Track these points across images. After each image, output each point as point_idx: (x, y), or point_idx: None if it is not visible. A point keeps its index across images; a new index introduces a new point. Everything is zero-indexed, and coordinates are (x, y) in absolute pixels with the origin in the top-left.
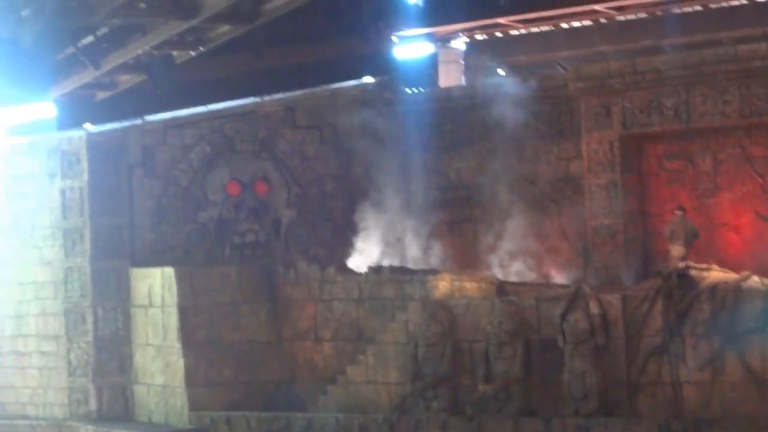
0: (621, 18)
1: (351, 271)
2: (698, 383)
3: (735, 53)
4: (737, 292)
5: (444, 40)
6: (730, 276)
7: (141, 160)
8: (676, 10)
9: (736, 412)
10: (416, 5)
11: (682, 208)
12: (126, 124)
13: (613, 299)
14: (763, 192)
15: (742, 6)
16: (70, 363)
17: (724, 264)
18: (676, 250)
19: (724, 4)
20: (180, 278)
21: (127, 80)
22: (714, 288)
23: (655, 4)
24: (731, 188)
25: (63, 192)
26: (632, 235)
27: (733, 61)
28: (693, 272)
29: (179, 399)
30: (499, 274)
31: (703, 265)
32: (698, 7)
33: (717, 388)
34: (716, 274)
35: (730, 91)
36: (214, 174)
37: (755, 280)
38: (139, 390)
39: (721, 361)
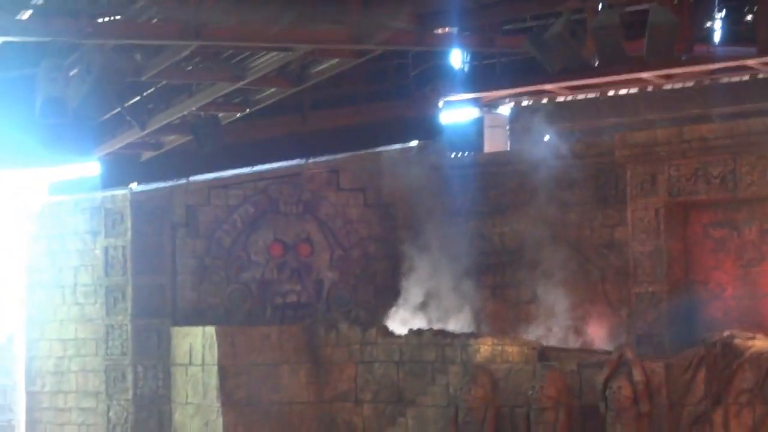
0: (668, 86)
1: (392, 334)
2: None
3: None
4: None
5: (490, 106)
6: None
7: (184, 220)
8: (725, 80)
9: None
10: (462, 71)
11: None
12: (170, 183)
13: (657, 366)
14: None
15: None
16: (109, 420)
17: None
18: None
19: None
20: (221, 337)
21: (172, 140)
22: (758, 357)
23: (703, 74)
24: None
25: (106, 250)
26: (676, 302)
27: None
28: (737, 341)
29: None
30: (541, 339)
31: (748, 334)
32: (746, 77)
33: None
34: (761, 344)
35: None
36: (257, 235)
37: None
38: None
39: (764, 430)
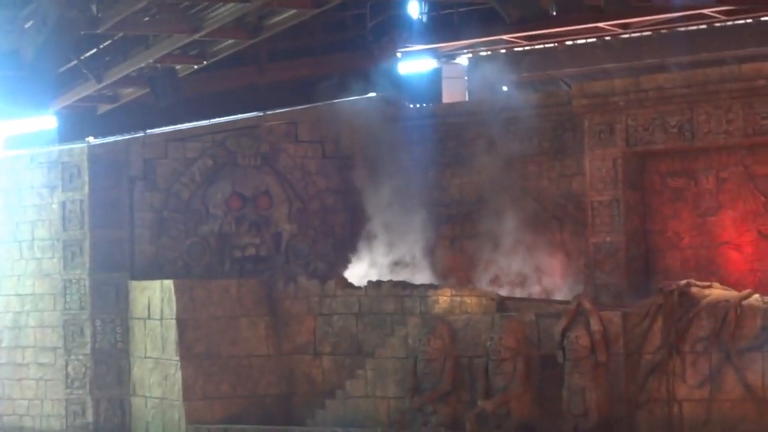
0: (625, 35)
1: (351, 286)
2: (697, 401)
3: (739, 72)
4: (738, 309)
5: (448, 56)
6: (732, 294)
7: (142, 173)
8: (681, 29)
9: (735, 430)
10: (420, 21)
11: None
12: (127, 137)
13: (614, 316)
14: (766, 211)
15: (747, 25)
16: (67, 375)
17: (725, 282)
18: None
19: (729, 23)
20: (179, 291)
21: (129, 93)
22: (715, 305)
23: (660, 23)
24: (734, 206)
25: (63, 204)
26: (634, 252)
27: (737, 79)
28: (694, 290)
29: (177, 412)
30: (499, 290)
31: (705, 283)
32: (703, 26)
33: (716, 406)
34: (717, 292)
35: (734, 110)
36: (216, 188)
37: (756, 298)
38: (137, 402)
39: (720, 378)
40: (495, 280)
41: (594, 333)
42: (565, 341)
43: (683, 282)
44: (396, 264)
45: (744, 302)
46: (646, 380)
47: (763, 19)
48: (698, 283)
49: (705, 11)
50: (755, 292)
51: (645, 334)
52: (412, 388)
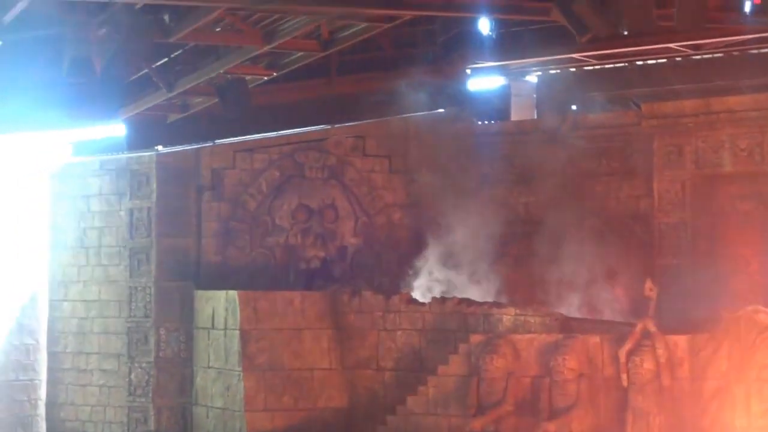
0: (697, 57)
1: (415, 302)
2: (760, 429)
3: None
4: None
5: (517, 74)
6: None
7: (210, 183)
8: (754, 51)
9: None
10: (490, 38)
11: None
12: (196, 146)
13: (680, 340)
14: None
15: None
16: (130, 382)
17: None
18: None
19: None
20: (243, 302)
21: (198, 103)
22: None
23: (733, 44)
24: None
25: (131, 212)
26: (701, 275)
27: None
28: (761, 316)
29: (238, 422)
30: (564, 310)
31: None
32: None
33: None
34: None
35: None
36: (282, 199)
37: None
38: (199, 412)
39: None
40: (559, 300)
41: (659, 357)
42: (630, 364)
43: (750, 308)
44: (461, 281)
45: None
46: (710, 406)
47: None
48: (765, 309)
49: None
50: None
51: (710, 359)
52: (473, 406)
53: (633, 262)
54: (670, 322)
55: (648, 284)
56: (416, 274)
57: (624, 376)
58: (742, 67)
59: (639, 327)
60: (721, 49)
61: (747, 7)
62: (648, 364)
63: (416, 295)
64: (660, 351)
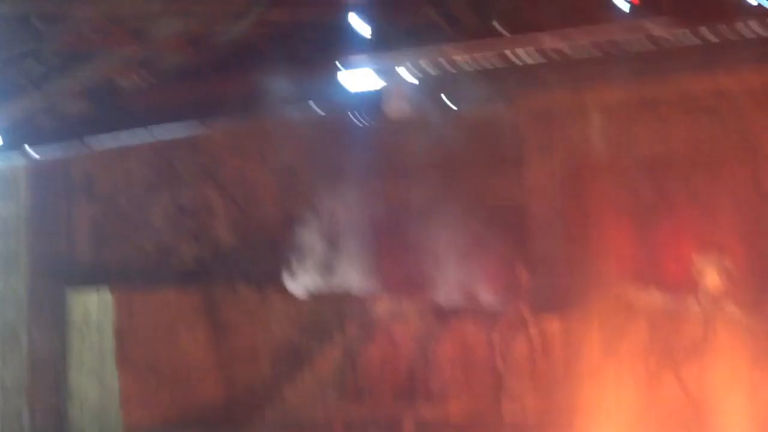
0: (569, 51)
1: (290, 294)
2: (634, 407)
3: (682, 87)
4: (675, 315)
5: (391, 68)
6: (670, 300)
7: (82, 185)
8: (625, 46)
9: None
10: (364, 32)
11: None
12: (68, 148)
13: (553, 323)
14: (704, 221)
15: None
16: (3, 384)
17: (664, 288)
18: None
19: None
20: (118, 301)
21: (69, 105)
22: (652, 311)
23: (604, 39)
24: (674, 217)
25: (1, 215)
26: (573, 262)
27: (678, 93)
28: (632, 295)
29: (114, 420)
30: (439, 298)
31: (642, 289)
32: (649, 44)
33: (653, 413)
34: (656, 298)
35: (675, 123)
36: (156, 198)
37: (694, 304)
38: (74, 412)
39: (657, 383)
40: (435, 290)
41: (532, 340)
42: (504, 347)
43: (621, 288)
44: (337, 274)
45: (682, 308)
46: (584, 386)
47: (707, 38)
48: (635, 289)
49: (650, 29)
50: (693, 298)
51: (583, 339)
52: (350, 394)
53: (507, 251)
54: (543, 305)
55: (520, 269)
56: (292, 267)
57: (498, 360)
58: (613, 60)
59: (512, 311)
60: (593, 43)
61: (621, 3)
62: (522, 347)
63: (292, 287)
64: (533, 334)
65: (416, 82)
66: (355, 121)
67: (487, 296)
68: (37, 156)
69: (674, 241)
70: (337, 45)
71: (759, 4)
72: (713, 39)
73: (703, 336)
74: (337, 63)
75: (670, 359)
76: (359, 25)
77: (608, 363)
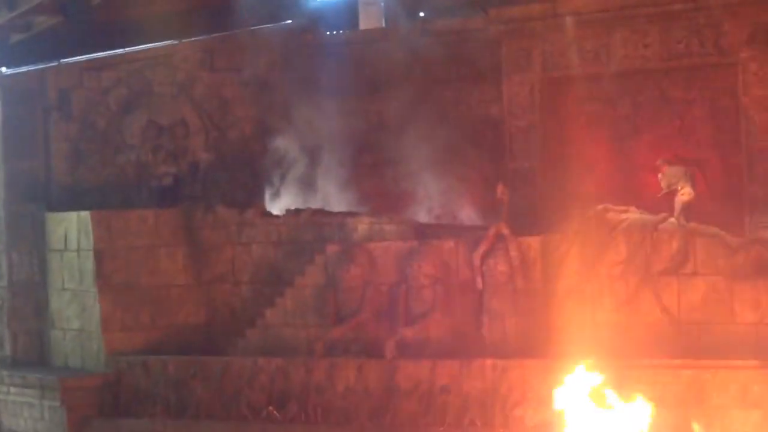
0: None
1: (269, 214)
2: (614, 324)
3: None
4: (654, 233)
5: None
6: (648, 218)
7: (57, 103)
8: None
9: (652, 353)
10: None
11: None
12: (41, 66)
13: (532, 241)
14: (681, 134)
15: None
16: None
17: (642, 206)
18: (687, 192)
19: None
20: (96, 222)
21: (42, 22)
22: (631, 229)
23: None
24: (650, 130)
25: None
26: (551, 177)
27: (653, 4)
28: (611, 214)
29: (95, 343)
30: (418, 217)
31: (621, 207)
32: None
33: (633, 329)
34: (634, 216)
35: (651, 34)
36: (132, 117)
37: (672, 221)
38: (55, 335)
39: (637, 301)
40: (414, 207)
41: (512, 259)
42: (484, 267)
43: (600, 206)
44: (314, 191)
45: (660, 226)
46: (564, 305)
47: None
48: (615, 207)
49: None
50: (670, 215)
51: (562, 259)
52: (331, 316)
53: (485, 166)
54: (523, 224)
55: (500, 188)
56: (271, 186)
57: (479, 279)
58: None
59: (492, 230)
60: None
61: None
62: (502, 267)
63: (271, 208)
64: (513, 253)
65: None
66: (329, 33)
67: (465, 214)
68: (10, 74)
69: (651, 156)
70: None
71: None
72: None
73: (681, 252)
74: None
75: (649, 276)
76: None
77: (588, 281)
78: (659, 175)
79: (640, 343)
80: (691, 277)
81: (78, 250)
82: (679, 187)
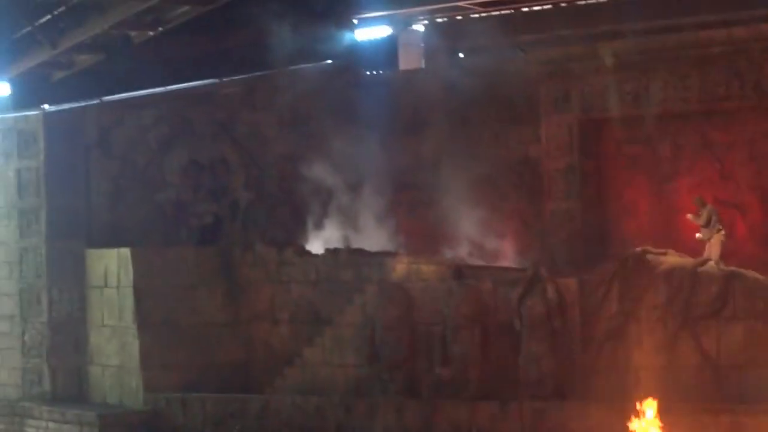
0: (581, 2)
1: (308, 253)
2: (653, 368)
3: (695, 39)
4: (693, 276)
5: (404, 23)
6: (687, 261)
7: (98, 141)
8: None
9: (691, 397)
10: None
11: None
12: (83, 104)
13: (570, 283)
14: (722, 177)
15: None
16: (24, 343)
17: (681, 249)
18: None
19: None
20: (136, 259)
21: (84, 60)
22: (671, 272)
23: None
24: (690, 174)
25: (19, 172)
26: (590, 219)
27: (693, 47)
28: (650, 257)
29: (134, 380)
30: (456, 256)
31: (661, 250)
32: None
33: (672, 372)
34: (673, 259)
35: (690, 77)
36: (172, 155)
37: (711, 265)
38: (94, 371)
39: (676, 345)
40: (452, 246)
41: (550, 300)
42: (522, 309)
43: (639, 249)
44: (353, 231)
45: (699, 269)
46: (603, 347)
47: None
48: (654, 250)
49: None
50: (710, 259)
51: (601, 301)
52: (370, 355)
53: (523, 207)
54: (561, 264)
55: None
56: (309, 226)
57: (516, 321)
58: (626, 12)
59: (530, 271)
60: None
61: None
62: (539, 308)
63: (310, 246)
64: (551, 295)
65: (429, 33)
66: (369, 72)
67: (503, 254)
68: (53, 111)
69: (691, 199)
70: None
71: None
72: None
73: (720, 296)
74: (352, 17)
75: (689, 320)
76: None
77: (627, 324)
78: (689, 216)
79: (680, 386)
80: (730, 320)
81: (118, 287)
82: (717, 230)
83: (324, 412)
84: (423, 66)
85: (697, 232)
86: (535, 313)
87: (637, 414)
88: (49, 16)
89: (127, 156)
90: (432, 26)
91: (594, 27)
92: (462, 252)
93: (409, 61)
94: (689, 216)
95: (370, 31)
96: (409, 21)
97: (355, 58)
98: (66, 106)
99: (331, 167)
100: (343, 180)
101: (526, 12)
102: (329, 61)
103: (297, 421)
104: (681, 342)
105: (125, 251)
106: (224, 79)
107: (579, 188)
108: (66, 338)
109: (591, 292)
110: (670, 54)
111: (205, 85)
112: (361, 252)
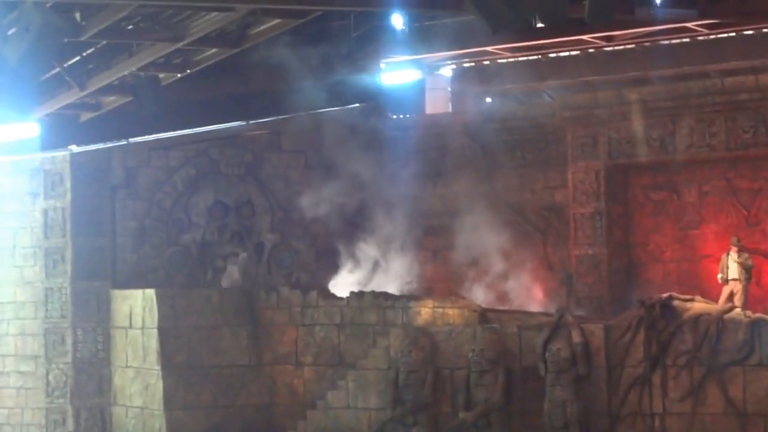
0: (609, 48)
1: (333, 296)
2: (679, 414)
3: (722, 86)
4: (720, 323)
5: (431, 67)
6: (713, 307)
7: (124, 182)
8: (664, 42)
9: None
10: (404, 32)
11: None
12: (110, 145)
13: (596, 329)
14: (748, 224)
15: (729, 39)
16: (48, 384)
17: (707, 296)
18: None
19: (712, 37)
20: (161, 300)
21: (111, 101)
22: (697, 319)
23: (644, 36)
24: (716, 220)
25: (45, 212)
26: (616, 264)
27: (720, 93)
28: (676, 303)
29: (157, 422)
30: (481, 301)
31: (687, 296)
32: (686, 39)
33: (698, 420)
34: (699, 306)
35: (717, 124)
36: (198, 197)
37: (738, 311)
38: (118, 412)
39: (702, 392)
40: (477, 291)
41: (576, 346)
42: (547, 354)
43: (665, 295)
44: (378, 274)
45: (725, 316)
46: (628, 393)
47: (745, 32)
48: (680, 296)
49: (688, 24)
50: (736, 306)
51: (627, 347)
52: (393, 399)
53: (549, 252)
54: (587, 311)
55: (562, 273)
56: (335, 268)
57: (541, 365)
58: (653, 58)
59: (555, 316)
60: (632, 41)
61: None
62: (565, 353)
63: (334, 289)
64: (576, 339)
65: (456, 77)
66: (396, 116)
67: (529, 299)
68: (80, 152)
69: (717, 245)
70: (379, 43)
71: None
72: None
73: (747, 343)
74: (379, 61)
75: (715, 367)
76: (401, 23)
77: (653, 370)
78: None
79: None
80: (756, 368)
81: (142, 328)
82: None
83: None
84: (450, 110)
85: (720, 273)
86: (560, 358)
87: None
88: (77, 58)
89: (152, 197)
90: (459, 71)
91: (621, 73)
92: (487, 296)
93: (435, 105)
94: (719, 277)
95: (397, 75)
96: (436, 65)
97: (381, 101)
98: (93, 147)
99: (356, 210)
100: (367, 223)
101: (553, 58)
102: (356, 105)
103: None
104: (707, 389)
105: (150, 292)
106: (251, 122)
107: (605, 234)
108: (90, 379)
109: (617, 338)
110: (697, 100)
111: (231, 128)
112: (385, 295)
